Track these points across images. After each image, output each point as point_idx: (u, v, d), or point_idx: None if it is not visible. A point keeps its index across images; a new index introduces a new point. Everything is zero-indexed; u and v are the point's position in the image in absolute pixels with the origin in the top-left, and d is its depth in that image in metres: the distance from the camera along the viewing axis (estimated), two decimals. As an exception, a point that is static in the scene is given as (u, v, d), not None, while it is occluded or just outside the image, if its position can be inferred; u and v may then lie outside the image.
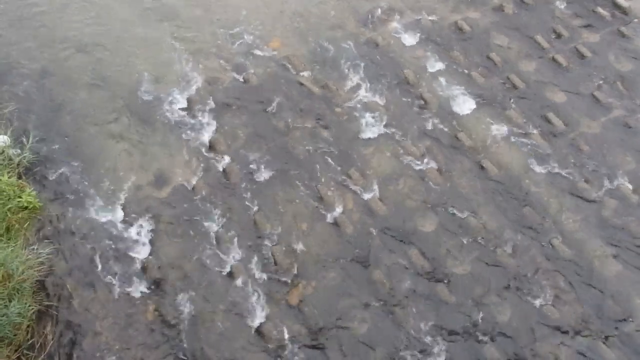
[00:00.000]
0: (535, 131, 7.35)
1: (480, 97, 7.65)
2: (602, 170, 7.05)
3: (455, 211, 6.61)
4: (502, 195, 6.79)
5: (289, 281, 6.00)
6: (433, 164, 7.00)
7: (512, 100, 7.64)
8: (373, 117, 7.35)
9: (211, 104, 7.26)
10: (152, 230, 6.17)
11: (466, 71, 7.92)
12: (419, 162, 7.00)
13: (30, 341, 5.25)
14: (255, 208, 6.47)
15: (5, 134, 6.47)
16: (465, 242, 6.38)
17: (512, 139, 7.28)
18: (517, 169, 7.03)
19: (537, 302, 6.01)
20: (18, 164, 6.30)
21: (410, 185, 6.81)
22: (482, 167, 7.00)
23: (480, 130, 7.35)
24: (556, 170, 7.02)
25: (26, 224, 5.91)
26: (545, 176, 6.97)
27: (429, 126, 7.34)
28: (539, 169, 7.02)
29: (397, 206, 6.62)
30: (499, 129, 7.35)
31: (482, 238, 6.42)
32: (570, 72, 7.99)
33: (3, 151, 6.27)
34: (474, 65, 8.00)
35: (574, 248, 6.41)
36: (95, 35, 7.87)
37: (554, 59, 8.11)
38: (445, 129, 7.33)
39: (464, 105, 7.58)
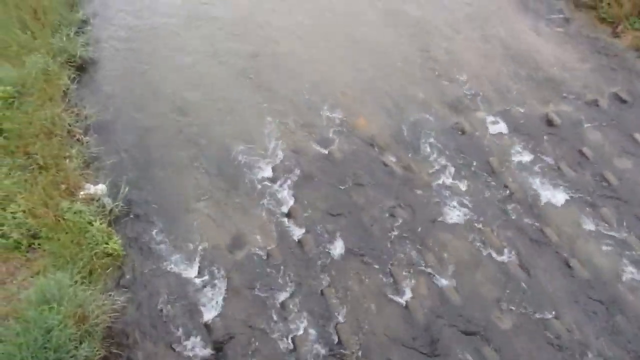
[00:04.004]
0: (630, 233, 6.84)
1: (570, 191, 7.31)
2: None
3: (536, 310, 6.16)
4: (590, 299, 6.27)
5: (352, 362, 5.75)
6: (515, 257, 6.66)
7: (605, 198, 7.22)
8: (454, 202, 7.19)
9: (294, 174, 7.45)
10: (222, 291, 6.23)
11: (556, 164, 7.65)
12: (499, 254, 6.68)
13: (92, 387, 5.31)
14: (326, 282, 6.37)
15: (104, 183, 6.95)
16: (545, 346, 5.87)
17: (604, 239, 6.80)
18: (609, 272, 6.51)
19: None
20: (110, 212, 6.70)
21: (489, 276, 6.48)
22: (569, 266, 6.56)
23: (569, 226, 6.95)
24: (654, 278, 6.44)
25: (108, 270, 6.16)
26: (642, 284, 6.40)
27: (513, 217, 7.06)
28: (634, 274, 6.47)
29: (473, 297, 6.28)
30: (591, 227, 6.92)
31: (565, 344, 5.89)
32: (672, 174, 7.50)
33: (99, 199, 6.70)
34: (565, 158, 7.72)
35: (674, 369, 5.72)
36: (195, 97, 8.50)
37: (654, 159, 7.67)
38: (530, 222, 7.01)
39: (552, 198, 7.26)
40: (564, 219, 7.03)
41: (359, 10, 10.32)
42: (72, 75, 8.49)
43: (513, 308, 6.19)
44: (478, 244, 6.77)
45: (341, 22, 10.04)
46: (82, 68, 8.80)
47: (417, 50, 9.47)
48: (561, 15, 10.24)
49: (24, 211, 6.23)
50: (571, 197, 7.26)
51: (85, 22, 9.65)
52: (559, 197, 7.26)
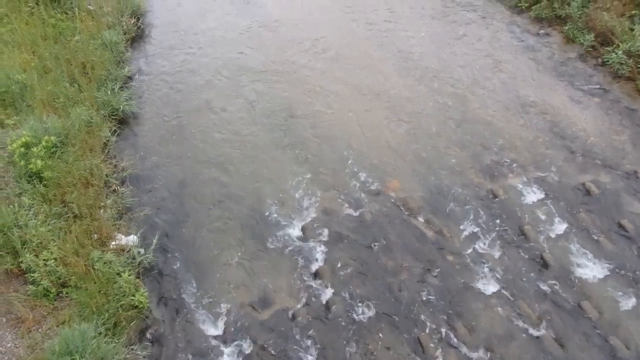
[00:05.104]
0: (676, 313, 6.49)
1: (609, 265, 7.02)
2: None
3: (574, 391, 5.82)
4: (633, 382, 5.89)
5: None
6: (551, 332, 6.35)
7: (648, 275, 6.92)
8: (487, 271, 6.99)
9: (324, 234, 7.39)
10: (246, 352, 6.08)
11: (594, 236, 7.40)
12: (534, 327, 6.39)
13: None
14: (352, 347, 6.17)
15: (136, 234, 7.03)
16: None
17: (648, 318, 6.47)
18: (654, 353, 6.14)
19: None
20: (139, 264, 6.72)
21: (523, 351, 6.16)
22: (610, 345, 6.21)
23: (608, 302, 6.63)
24: (703, 363, 6.02)
25: (132, 323, 6.11)
26: (690, 369, 5.99)
27: (548, 289, 6.79)
28: (681, 358, 6.08)
29: (506, 373, 5.98)
30: (633, 304, 6.59)
31: None
32: None
33: (130, 250, 6.76)
34: (603, 230, 7.47)
35: None
36: (229, 153, 8.67)
37: (699, 235, 7.35)
38: (567, 295, 6.72)
39: (590, 272, 6.97)
40: (602, 293, 6.72)
41: (396, 73, 10.52)
42: (114, 128, 8.80)
43: (549, 387, 5.85)
44: (511, 315, 6.50)
45: (378, 83, 10.23)
46: (123, 121, 9.13)
47: (452, 114, 9.53)
48: (598, 86, 10.22)
49: (55, 259, 6.31)
50: (610, 271, 6.96)
51: (130, 78, 10.10)
52: (598, 270, 6.97)
